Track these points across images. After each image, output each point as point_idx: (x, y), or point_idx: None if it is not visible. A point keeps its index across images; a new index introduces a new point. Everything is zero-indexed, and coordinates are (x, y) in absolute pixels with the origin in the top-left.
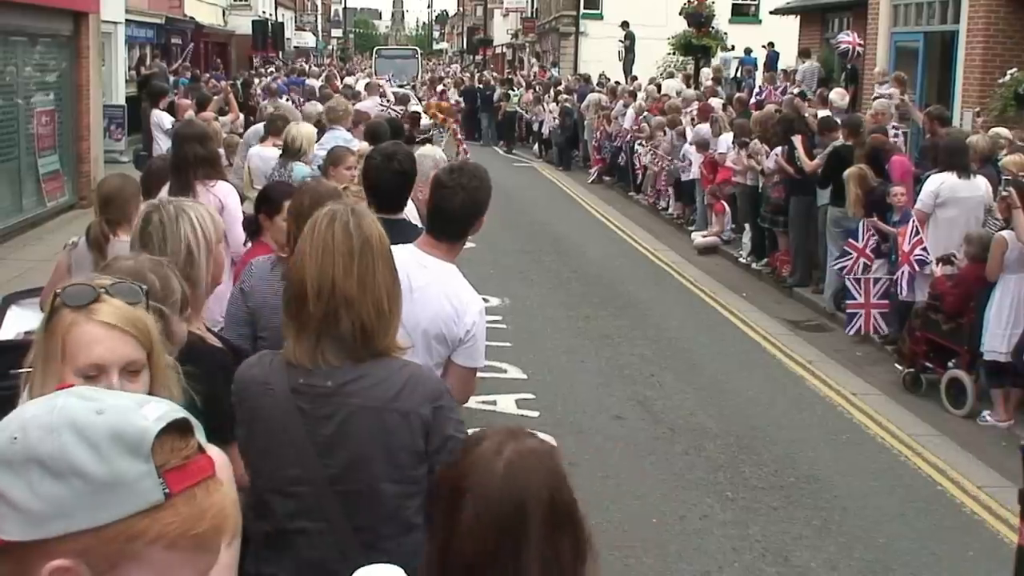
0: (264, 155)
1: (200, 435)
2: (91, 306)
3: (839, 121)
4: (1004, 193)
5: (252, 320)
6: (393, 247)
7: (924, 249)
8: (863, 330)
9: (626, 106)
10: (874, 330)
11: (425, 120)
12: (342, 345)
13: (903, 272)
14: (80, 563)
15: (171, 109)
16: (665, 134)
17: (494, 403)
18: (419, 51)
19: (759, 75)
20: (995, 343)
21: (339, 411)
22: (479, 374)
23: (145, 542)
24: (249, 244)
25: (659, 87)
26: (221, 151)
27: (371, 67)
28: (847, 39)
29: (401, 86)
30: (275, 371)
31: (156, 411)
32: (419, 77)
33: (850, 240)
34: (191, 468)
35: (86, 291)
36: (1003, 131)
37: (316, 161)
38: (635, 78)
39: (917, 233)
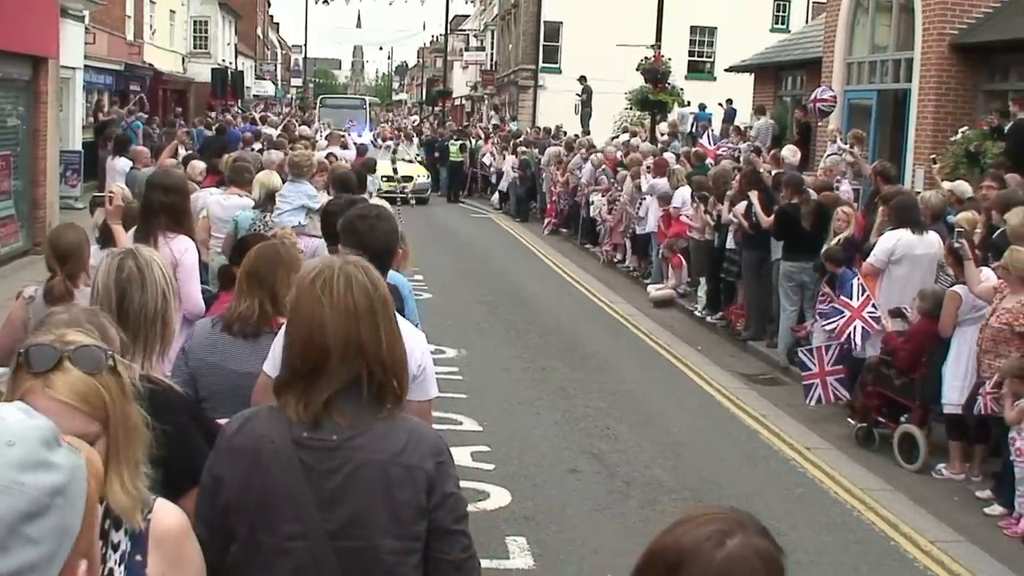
0: (225, 204)
1: None
2: (49, 375)
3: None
4: (956, 245)
5: (193, 382)
6: None
7: (874, 306)
8: (823, 400)
9: (584, 159)
10: (834, 397)
11: (422, 179)
12: (357, 402)
13: (855, 327)
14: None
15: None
16: (623, 187)
17: None
18: (368, 100)
19: (713, 131)
20: (953, 396)
21: (345, 465)
22: (436, 425)
23: None
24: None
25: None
26: None
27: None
28: (821, 97)
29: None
30: (276, 424)
31: None
32: (367, 128)
33: (843, 298)
34: None
35: (49, 355)
36: (963, 186)
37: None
38: (588, 132)
39: (864, 291)
